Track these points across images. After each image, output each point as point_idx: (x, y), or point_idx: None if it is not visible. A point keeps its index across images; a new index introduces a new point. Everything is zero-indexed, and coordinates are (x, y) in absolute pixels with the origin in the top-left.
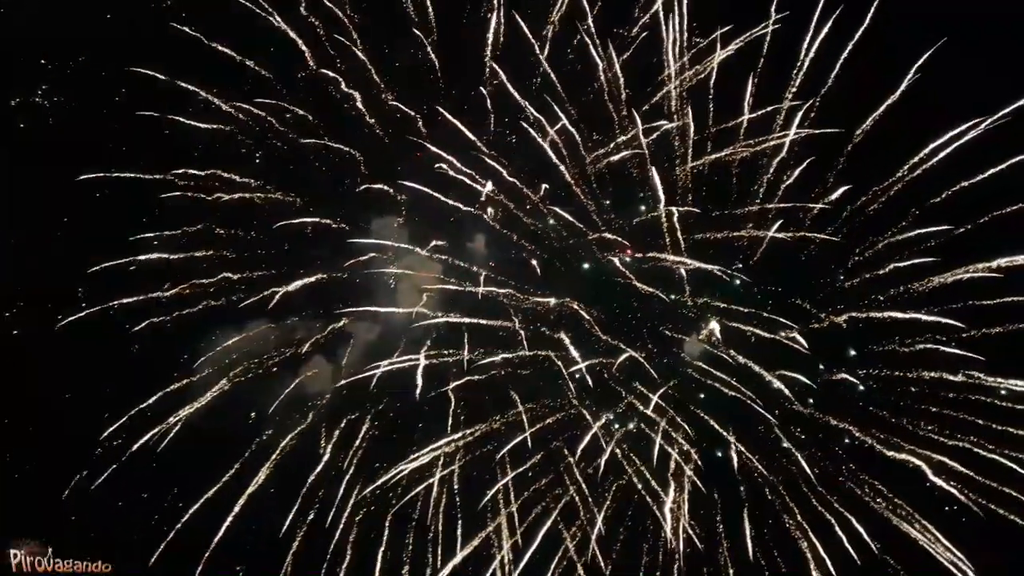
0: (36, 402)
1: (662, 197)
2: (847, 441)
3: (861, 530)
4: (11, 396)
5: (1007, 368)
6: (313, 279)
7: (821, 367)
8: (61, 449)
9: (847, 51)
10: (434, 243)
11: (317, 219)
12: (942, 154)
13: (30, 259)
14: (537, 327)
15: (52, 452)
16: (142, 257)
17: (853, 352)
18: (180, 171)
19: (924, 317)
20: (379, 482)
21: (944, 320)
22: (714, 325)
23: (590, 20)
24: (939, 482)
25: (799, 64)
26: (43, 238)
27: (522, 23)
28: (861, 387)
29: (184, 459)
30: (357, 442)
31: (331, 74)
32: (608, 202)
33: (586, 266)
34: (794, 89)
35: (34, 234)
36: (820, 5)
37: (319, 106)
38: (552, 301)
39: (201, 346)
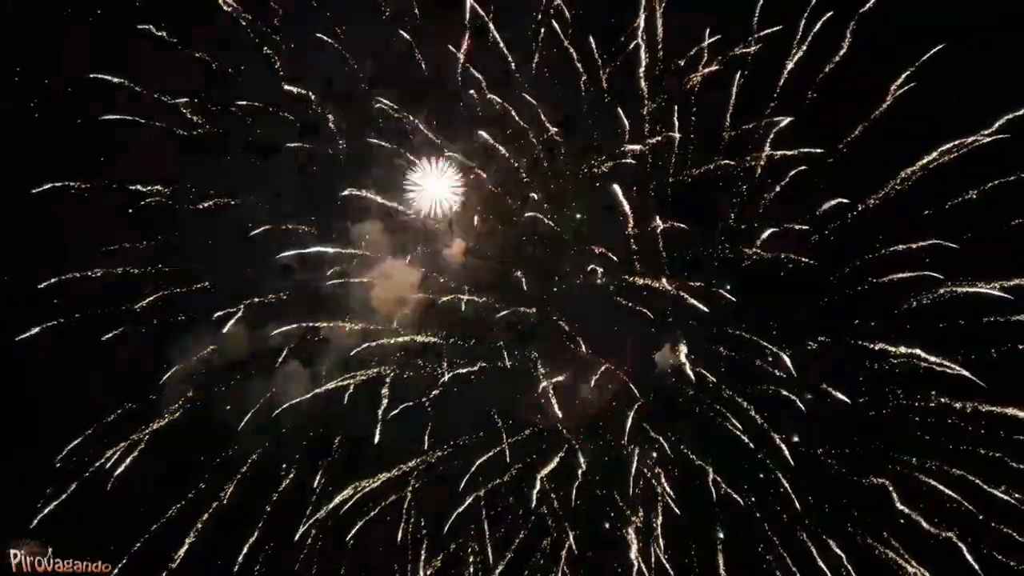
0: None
1: (631, 217)
2: (833, 472)
3: (838, 550)
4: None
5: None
6: (289, 290)
7: (809, 397)
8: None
9: (837, 58)
10: (417, 249)
11: (299, 227)
12: (931, 166)
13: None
14: (516, 339)
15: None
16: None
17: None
18: (154, 178)
19: (904, 349)
20: (344, 494)
21: (915, 350)
22: (682, 347)
23: (569, 32)
24: (905, 509)
25: (784, 75)
26: (21, 244)
27: (498, 36)
28: (845, 408)
29: (157, 469)
30: (331, 453)
31: (301, 90)
32: (579, 215)
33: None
34: (773, 106)
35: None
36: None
37: (299, 111)
38: (533, 312)
39: (177, 353)
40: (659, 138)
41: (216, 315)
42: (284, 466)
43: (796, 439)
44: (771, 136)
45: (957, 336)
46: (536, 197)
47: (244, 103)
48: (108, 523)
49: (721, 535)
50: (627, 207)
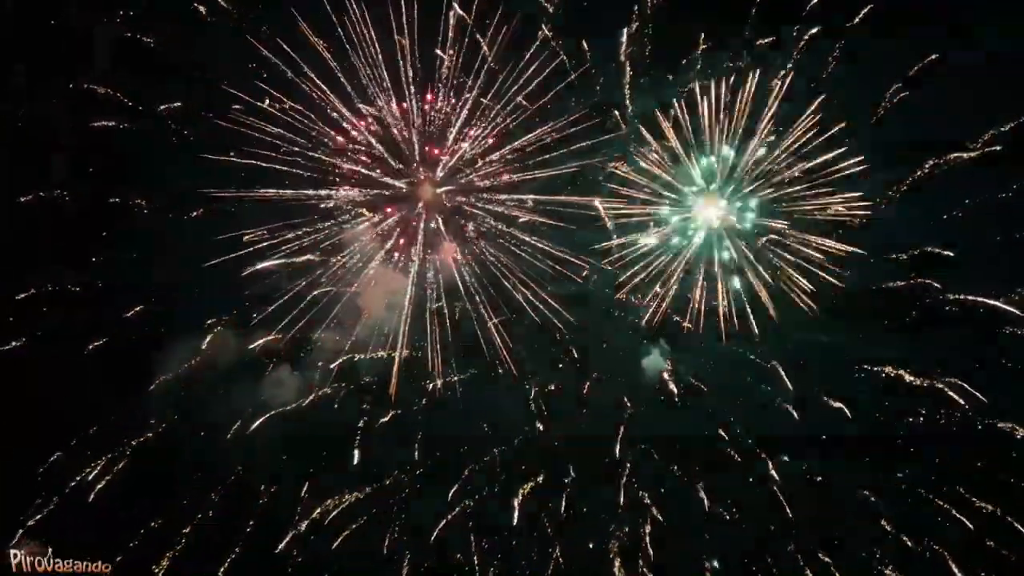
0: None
1: (613, 232)
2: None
3: (827, 559)
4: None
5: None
6: (277, 298)
7: (800, 408)
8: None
9: (826, 72)
10: (408, 255)
11: (288, 234)
12: (923, 177)
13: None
14: (507, 347)
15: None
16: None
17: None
18: (142, 186)
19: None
20: (329, 503)
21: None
22: (669, 359)
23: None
24: (890, 527)
25: (775, 85)
26: (5, 253)
27: (485, 44)
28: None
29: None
30: (317, 462)
31: (283, 105)
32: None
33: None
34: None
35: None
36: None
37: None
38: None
39: (163, 363)
40: (654, 146)
41: (205, 323)
42: (270, 476)
43: (785, 456)
44: (763, 146)
45: (955, 344)
46: (529, 204)
47: (237, 107)
48: (91, 535)
49: (713, 559)
50: (608, 222)
